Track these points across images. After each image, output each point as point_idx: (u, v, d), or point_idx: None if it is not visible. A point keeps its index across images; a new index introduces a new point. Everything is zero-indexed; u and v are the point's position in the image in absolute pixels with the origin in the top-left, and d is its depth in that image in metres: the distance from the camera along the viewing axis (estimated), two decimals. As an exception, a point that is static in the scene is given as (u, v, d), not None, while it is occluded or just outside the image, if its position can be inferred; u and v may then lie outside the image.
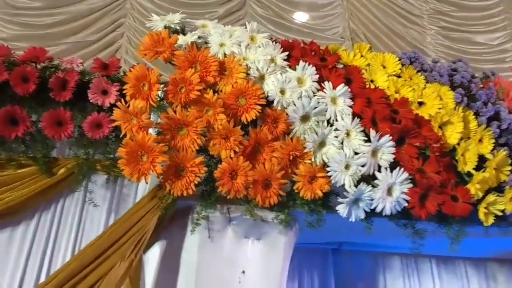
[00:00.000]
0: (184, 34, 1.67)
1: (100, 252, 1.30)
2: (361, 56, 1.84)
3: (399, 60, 1.80)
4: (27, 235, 1.90)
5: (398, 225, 1.64)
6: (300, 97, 1.60)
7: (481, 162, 1.70)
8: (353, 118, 1.61)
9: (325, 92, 1.61)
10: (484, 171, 1.65)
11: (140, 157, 1.35)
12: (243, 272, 1.48)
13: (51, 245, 1.91)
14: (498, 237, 1.75)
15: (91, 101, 1.92)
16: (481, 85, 1.86)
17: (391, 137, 1.57)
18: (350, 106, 1.63)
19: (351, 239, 2.11)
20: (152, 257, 1.55)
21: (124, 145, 1.35)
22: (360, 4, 4.21)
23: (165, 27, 1.65)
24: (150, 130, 1.47)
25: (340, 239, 2.18)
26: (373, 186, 1.54)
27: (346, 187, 1.53)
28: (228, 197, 1.45)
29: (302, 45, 1.83)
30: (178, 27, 1.65)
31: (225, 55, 1.61)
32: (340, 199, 1.53)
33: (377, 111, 1.63)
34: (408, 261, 2.29)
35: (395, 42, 4.05)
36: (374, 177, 1.57)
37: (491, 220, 1.65)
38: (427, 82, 1.76)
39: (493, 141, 1.72)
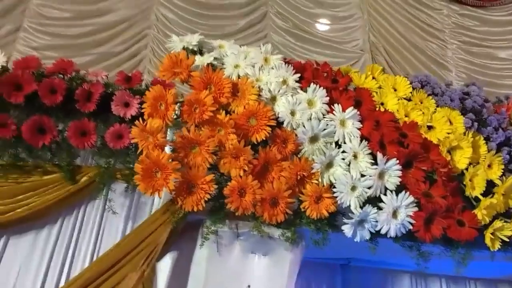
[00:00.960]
0: (202, 55, 1.75)
1: (113, 262, 1.39)
2: (373, 78, 1.88)
3: (411, 83, 1.83)
4: (50, 239, 2.00)
5: (403, 246, 1.67)
6: (310, 118, 1.66)
7: (490, 187, 1.71)
8: (361, 141, 1.65)
9: (334, 115, 1.66)
10: (492, 197, 1.66)
11: (154, 174, 1.43)
12: (249, 286, 1.54)
13: (71, 249, 2.01)
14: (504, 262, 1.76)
15: (113, 112, 2.03)
16: (494, 110, 1.87)
17: (398, 161, 1.60)
18: (359, 129, 1.68)
19: (360, 256, 2.13)
20: (164, 268, 1.62)
21: (140, 162, 1.43)
22: (381, 17, 4.22)
23: (184, 48, 1.74)
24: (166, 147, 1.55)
25: (350, 255, 2.21)
26: (379, 208, 1.58)
27: (352, 208, 1.58)
28: (236, 213, 1.51)
29: (315, 65, 1.89)
30: (195, 48, 1.73)
31: (239, 76, 1.68)
32: (345, 220, 1.57)
33: (385, 134, 1.67)
34: (418, 279, 2.30)
35: (415, 56, 4.04)
36: (380, 199, 1.61)
37: (497, 245, 1.66)
38: (437, 106, 1.79)
39: (503, 166, 1.72)
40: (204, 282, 1.53)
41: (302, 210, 1.59)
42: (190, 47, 1.72)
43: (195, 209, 1.46)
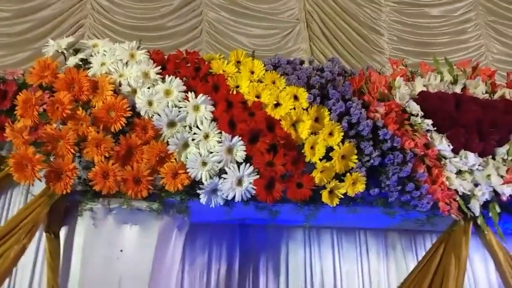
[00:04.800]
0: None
1: (1, 237, 1.73)
2: (238, 62, 2.11)
3: (264, 66, 2.06)
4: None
5: (256, 208, 1.96)
6: (168, 106, 1.91)
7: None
8: (212, 122, 1.91)
9: (188, 101, 1.91)
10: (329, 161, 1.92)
11: (25, 166, 1.73)
12: (121, 250, 1.86)
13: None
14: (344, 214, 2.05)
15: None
16: (342, 83, 2.08)
17: (241, 137, 1.86)
18: (213, 112, 1.93)
19: (253, 216, 2.42)
20: (62, 238, 1.98)
21: (12, 157, 1.73)
22: (316, -16, 4.33)
23: (57, 51, 1.99)
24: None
25: (249, 215, 2.50)
26: (224, 179, 1.86)
27: (203, 180, 1.86)
28: (102, 193, 1.81)
29: (184, 55, 2.11)
30: (65, 52, 1.98)
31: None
32: (198, 191, 1.86)
33: (235, 115, 1.92)
34: (311, 232, 2.60)
35: (348, 22, 4.17)
36: (231, 171, 1.88)
37: (336, 201, 1.93)
38: (287, 85, 2.01)
39: (343, 134, 1.96)
40: (83, 249, 1.86)
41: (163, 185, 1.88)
42: (60, 51, 1.97)
43: (64, 192, 1.77)
